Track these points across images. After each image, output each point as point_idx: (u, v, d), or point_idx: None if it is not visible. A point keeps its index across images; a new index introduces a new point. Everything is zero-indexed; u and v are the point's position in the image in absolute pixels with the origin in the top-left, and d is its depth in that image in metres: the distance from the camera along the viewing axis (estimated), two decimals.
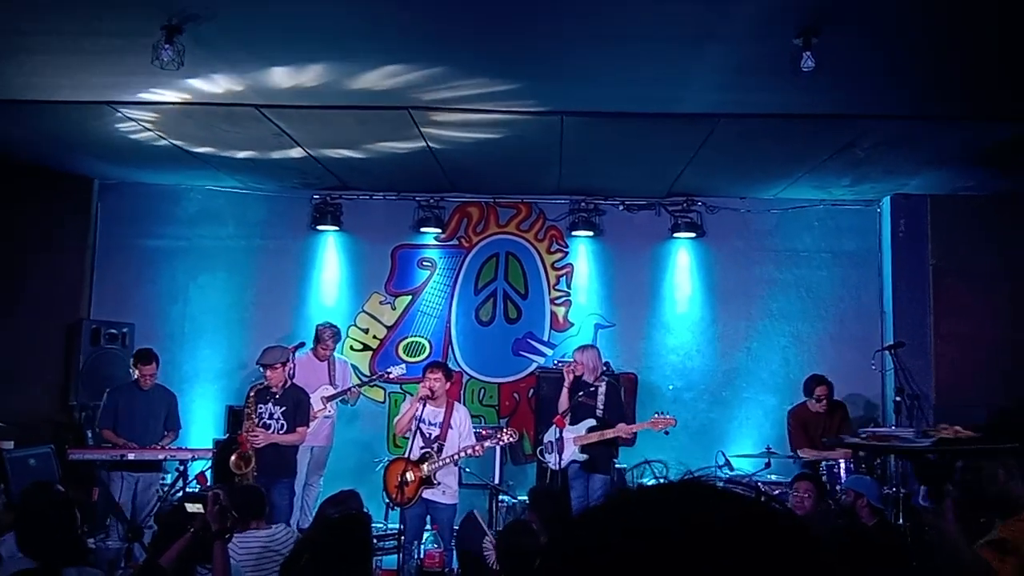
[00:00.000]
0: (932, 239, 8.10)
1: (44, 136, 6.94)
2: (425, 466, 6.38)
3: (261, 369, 6.92)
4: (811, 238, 8.56)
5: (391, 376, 7.95)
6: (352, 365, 8.34)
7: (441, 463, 6.37)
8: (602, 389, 6.94)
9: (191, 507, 3.92)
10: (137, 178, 8.57)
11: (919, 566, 4.85)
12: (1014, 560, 2.68)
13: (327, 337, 7.80)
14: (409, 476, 6.33)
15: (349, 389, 7.77)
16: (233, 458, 6.61)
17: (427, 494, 6.37)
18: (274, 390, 6.80)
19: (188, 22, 4.49)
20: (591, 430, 6.82)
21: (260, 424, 6.75)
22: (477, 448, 6.46)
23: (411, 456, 6.42)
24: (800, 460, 7.30)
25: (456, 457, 6.41)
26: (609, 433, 6.76)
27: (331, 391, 7.62)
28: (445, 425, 6.45)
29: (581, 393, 6.93)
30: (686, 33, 4.65)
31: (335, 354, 8.01)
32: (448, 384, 6.73)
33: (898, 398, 7.58)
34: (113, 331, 8.10)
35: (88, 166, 8.18)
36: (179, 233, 8.78)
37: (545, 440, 7.05)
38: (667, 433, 6.95)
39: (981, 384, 7.72)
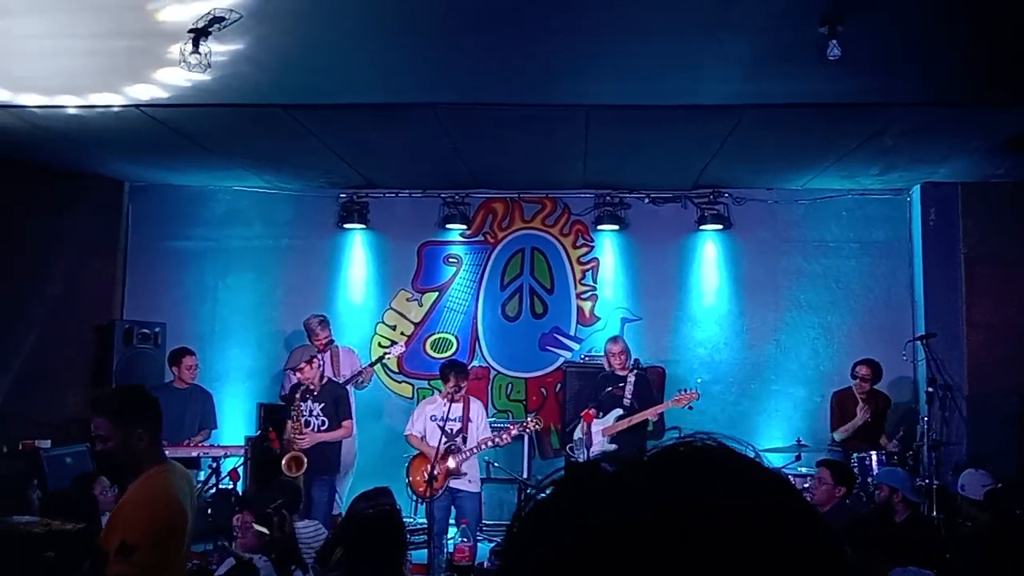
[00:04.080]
0: (963, 227, 7.97)
1: (74, 140, 7.04)
2: (452, 459, 6.47)
3: (291, 374, 7.00)
4: (840, 228, 8.47)
5: (390, 355, 8.00)
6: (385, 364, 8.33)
7: (468, 454, 6.48)
8: (631, 380, 6.98)
9: (257, 527, 3.96)
10: (166, 180, 8.67)
11: (953, 558, 4.80)
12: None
13: (315, 327, 7.75)
14: (436, 470, 6.41)
15: (359, 373, 7.73)
16: (285, 461, 6.67)
17: (453, 484, 6.54)
18: (312, 387, 6.86)
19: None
20: (619, 419, 6.87)
21: (303, 422, 6.81)
22: (504, 437, 6.59)
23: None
24: (831, 448, 7.27)
25: (482, 447, 6.57)
26: (635, 418, 6.80)
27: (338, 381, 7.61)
28: (465, 419, 6.59)
29: (610, 387, 6.96)
30: (710, 23, 4.62)
31: (339, 343, 8.00)
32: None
33: (930, 389, 7.49)
34: (145, 331, 8.20)
35: (118, 169, 8.29)
36: (208, 234, 8.88)
37: (575, 438, 7.08)
38: (691, 408, 6.96)
39: (1015, 374, 7.60)
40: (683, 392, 7.03)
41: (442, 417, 6.52)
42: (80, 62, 5.30)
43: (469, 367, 7.86)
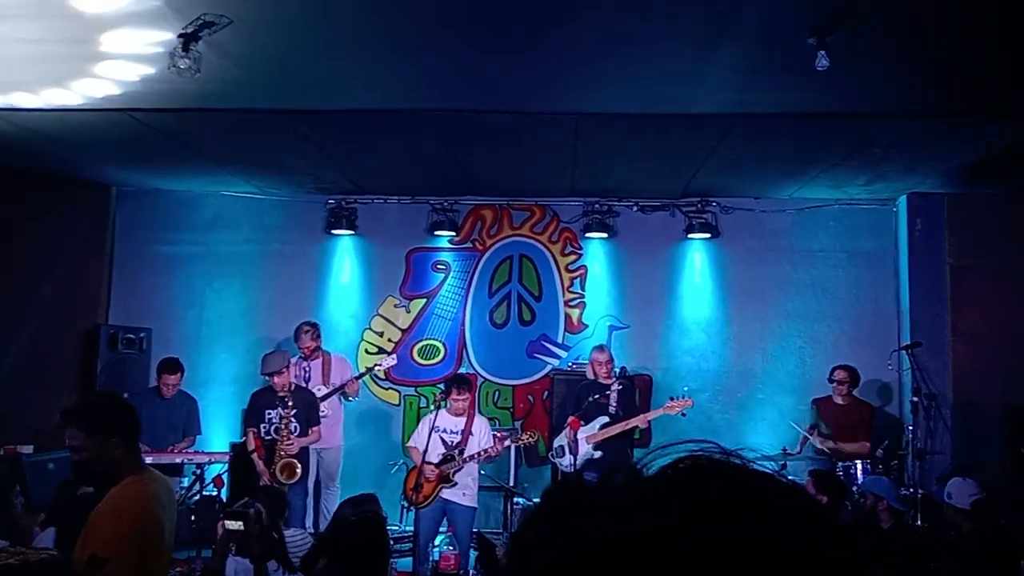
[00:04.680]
0: (949, 238, 8.04)
1: (62, 144, 7.00)
2: (444, 467, 6.48)
3: (267, 378, 6.97)
4: (827, 238, 8.51)
5: (381, 367, 7.97)
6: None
7: (460, 463, 6.48)
8: (616, 388, 6.98)
9: (231, 524, 3.90)
10: (154, 184, 8.63)
11: (938, 567, 4.81)
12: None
13: (302, 334, 7.70)
14: (429, 475, 6.41)
15: (345, 384, 7.67)
16: (278, 467, 6.64)
17: (446, 493, 6.50)
18: (281, 394, 6.84)
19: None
20: (604, 427, 6.86)
21: (273, 429, 6.79)
22: (497, 447, 6.60)
23: (430, 459, 6.47)
24: (817, 453, 7.28)
25: (477, 457, 6.53)
26: (618, 427, 6.80)
27: (324, 391, 7.55)
28: (466, 432, 6.58)
29: (595, 395, 6.96)
30: (699, 33, 4.64)
31: (332, 351, 7.96)
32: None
33: (915, 398, 7.53)
34: (131, 336, 8.15)
35: (105, 173, 8.25)
36: (195, 239, 8.83)
37: (556, 445, 7.08)
38: (684, 415, 6.96)
39: (999, 383, 7.65)
40: (676, 399, 7.01)
41: (431, 427, 6.53)
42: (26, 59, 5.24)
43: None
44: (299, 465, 6.67)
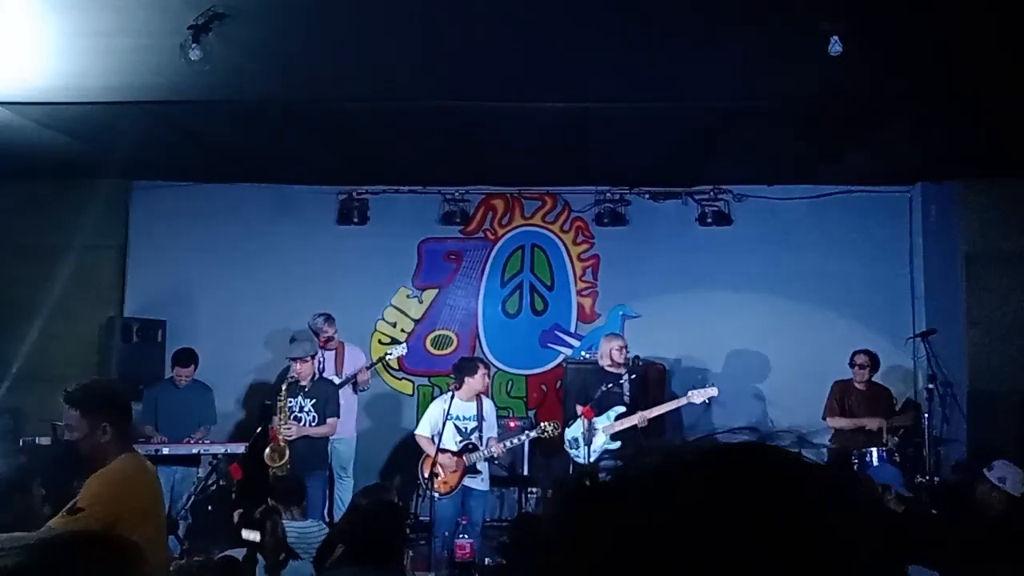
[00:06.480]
0: (964, 225, 7.96)
1: (76, 137, 7.03)
2: (468, 456, 6.55)
3: (290, 362, 7.00)
4: (841, 225, 8.46)
5: (391, 356, 7.98)
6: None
7: (485, 452, 6.55)
8: (628, 377, 6.99)
9: (247, 534, 3.95)
10: (168, 177, 8.65)
11: (959, 553, 4.78)
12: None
13: (320, 325, 7.68)
14: (452, 466, 6.44)
15: (356, 374, 7.68)
16: (267, 452, 6.71)
17: (468, 481, 6.57)
18: (303, 383, 6.88)
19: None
20: (619, 417, 6.87)
21: (292, 418, 6.83)
22: (522, 438, 6.76)
23: (447, 447, 6.50)
24: (828, 443, 7.26)
25: (503, 448, 6.63)
26: (635, 418, 6.81)
27: (337, 381, 7.54)
28: (479, 418, 6.60)
29: (609, 383, 6.96)
30: (711, 19, 4.62)
31: (346, 341, 7.96)
32: None
33: (930, 386, 7.49)
34: (146, 328, 8.21)
35: (120, 166, 8.26)
36: (209, 231, 8.86)
37: (569, 437, 7.05)
38: (708, 403, 6.99)
39: (1015, 371, 7.60)
40: (698, 389, 7.04)
41: (445, 416, 6.54)
42: None
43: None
44: (288, 450, 6.70)
